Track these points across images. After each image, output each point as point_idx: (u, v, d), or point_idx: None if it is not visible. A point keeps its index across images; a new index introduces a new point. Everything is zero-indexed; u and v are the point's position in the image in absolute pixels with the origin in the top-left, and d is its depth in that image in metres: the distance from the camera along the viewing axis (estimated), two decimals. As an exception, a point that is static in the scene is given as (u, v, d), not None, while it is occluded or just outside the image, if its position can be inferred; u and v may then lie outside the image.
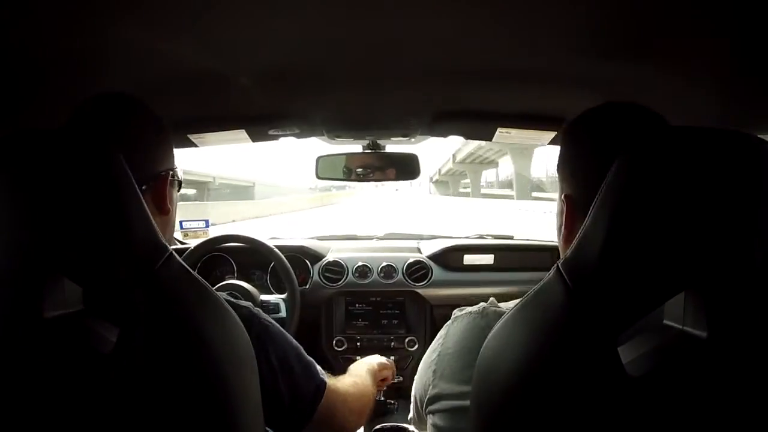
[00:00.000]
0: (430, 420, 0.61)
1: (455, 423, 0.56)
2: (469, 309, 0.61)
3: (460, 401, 0.55)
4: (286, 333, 0.69)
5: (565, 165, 0.56)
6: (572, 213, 0.54)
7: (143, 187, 0.57)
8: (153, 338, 0.45)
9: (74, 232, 0.44)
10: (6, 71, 0.67)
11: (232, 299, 0.62)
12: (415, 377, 0.77)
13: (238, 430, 0.50)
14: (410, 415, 0.82)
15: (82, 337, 0.45)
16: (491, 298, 0.60)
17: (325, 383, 0.72)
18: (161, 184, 0.60)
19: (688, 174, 0.37)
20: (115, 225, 0.45)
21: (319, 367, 0.71)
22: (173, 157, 0.65)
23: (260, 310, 0.65)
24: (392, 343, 1.58)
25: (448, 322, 0.64)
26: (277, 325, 0.68)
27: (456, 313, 0.63)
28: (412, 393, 0.78)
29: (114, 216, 0.45)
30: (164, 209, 0.61)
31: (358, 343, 1.58)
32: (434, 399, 0.59)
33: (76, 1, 0.53)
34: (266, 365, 0.62)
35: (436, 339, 0.65)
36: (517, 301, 0.58)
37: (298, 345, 0.70)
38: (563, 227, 0.56)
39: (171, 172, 0.63)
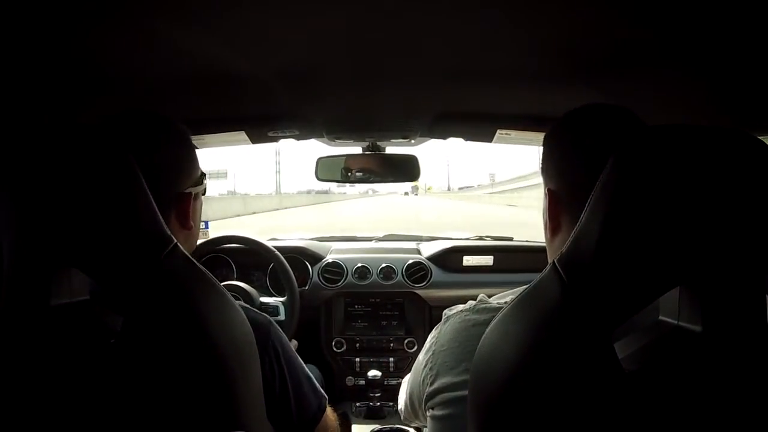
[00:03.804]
0: (429, 413, 0.62)
1: (455, 411, 0.57)
2: (459, 307, 0.63)
3: (459, 391, 0.56)
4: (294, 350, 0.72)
5: (548, 161, 0.59)
6: (555, 206, 0.57)
7: (168, 207, 0.60)
8: (156, 326, 0.46)
9: (83, 223, 0.45)
10: (7, 69, 0.67)
11: (252, 309, 0.64)
12: (408, 377, 0.78)
13: (240, 416, 0.51)
14: (400, 406, 0.83)
15: (86, 325, 0.46)
16: (480, 295, 0.62)
17: (326, 398, 0.75)
18: (185, 203, 0.63)
19: (681, 171, 0.37)
20: (122, 216, 0.46)
21: (319, 386, 0.74)
22: (198, 168, 0.67)
23: (278, 326, 0.68)
24: (391, 344, 1.58)
25: (439, 323, 0.65)
26: (288, 341, 0.70)
27: (447, 312, 0.64)
28: (405, 393, 0.78)
29: (122, 208, 0.46)
30: (187, 225, 0.64)
31: (358, 345, 1.58)
32: (433, 394, 0.60)
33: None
34: (279, 378, 0.65)
35: (428, 339, 0.66)
36: (508, 293, 0.59)
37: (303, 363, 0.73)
38: (548, 221, 0.58)
39: (194, 190, 0.65)
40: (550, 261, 0.56)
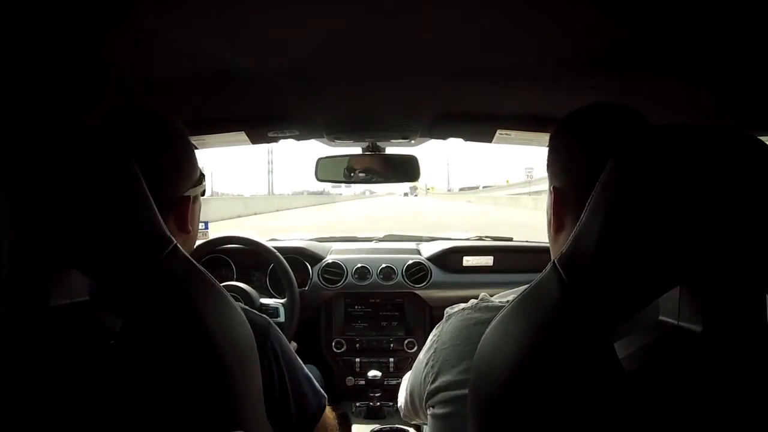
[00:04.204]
0: (430, 411, 0.62)
1: (456, 409, 0.57)
2: (461, 306, 0.63)
3: (460, 390, 0.56)
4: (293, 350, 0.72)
5: (554, 159, 0.58)
6: (560, 204, 0.57)
7: (166, 211, 0.59)
8: (155, 327, 0.46)
9: (83, 223, 0.45)
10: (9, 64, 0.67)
11: (251, 311, 0.64)
12: (408, 375, 0.77)
13: (239, 416, 0.51)
14: (400, 403, 0.82)
15: (86, 326, 0.46)
16: (482, 294, 0.62)
17: (326, 398, 0.75)
18: (183, 208, 0.63)
19: (681, 171, 0.37)
20: (122, 217, 0.46)
21: (318, 386, 0.74)
22: (197, 169, 0.67)
23: (276, 327, 0.68)
24: (391, 345, 1.58)
25: (441, 321, 0.65)
26: (287, 342, 0.70)
27: (449, 311, 0.64)
28: (405, 391, 0.78)
29: (121, 209, 0.46)
30: (185, 229, 0.64)
31: (357, 345, 1.58)
32: (434, 392, 0.60)
33: None
34: (279, 379, 0.65)
35: (430, 337, 0.66)
36: (510, 292, 0.59)
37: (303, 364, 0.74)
38: (552, 218, 0.58)
39: (192, 194, 0.65)
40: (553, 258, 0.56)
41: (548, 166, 0.60)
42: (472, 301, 0.61)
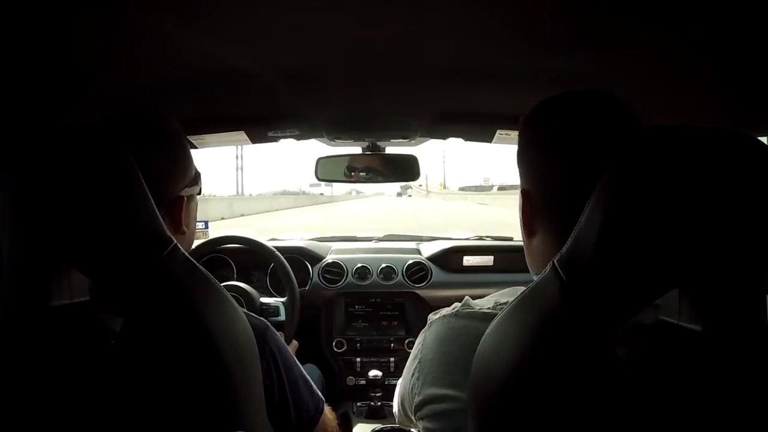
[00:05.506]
0: (421, 425, 0.60)
1: (445, 424, 0.55)
2: (443, 312, 0.60)
3: (445, 404, 0.54)
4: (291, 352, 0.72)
5: (524, 156, 0.53)
6: (530, 209, 0.52)
7: (161, 212, 0.59)
8: (156, 326, 0.47)
9: (83, 223, 0.45)
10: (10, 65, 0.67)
11: (248, 313, 0.64)
12: (400, 381, 0.75)
13: (241, 417, 0.51)
14: (394, 409, 0.82)
15: (86, 326, 0.46)
16: (466, 298, 0.58)
17: (323, 400, 0.75)
18: (177, 209, 0.63)
19: (680, 172, 0.37)
20: (121, 217, 0.46)
21: (315, 387, 0.74)
22: (192, 168, 0.66)
23: (274, 329, 0.67)
24: (392, 345, 1.58)
25: (424, 328, 0.63)
26: (285, 343, 0.70)
27: (431, 317, 0.62)
28: (398, 396, 0.77)
29: (121, 208, 0.46)
30: (180, 230, 0.63)
31: (358, 345, 1.58)
32: (421, 405, 0.59)
33: None
34: (277, 380, 0.64)
35: (415, 345, 0.64)
36: (492, 297, 0.57)
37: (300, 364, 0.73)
38: (522, 225, 0.54)
39: (187, 194, 0.64)
40: (528, 263, 0.54)
41: (518, 163, 0.54)
42: (455, 305, 0.59)
